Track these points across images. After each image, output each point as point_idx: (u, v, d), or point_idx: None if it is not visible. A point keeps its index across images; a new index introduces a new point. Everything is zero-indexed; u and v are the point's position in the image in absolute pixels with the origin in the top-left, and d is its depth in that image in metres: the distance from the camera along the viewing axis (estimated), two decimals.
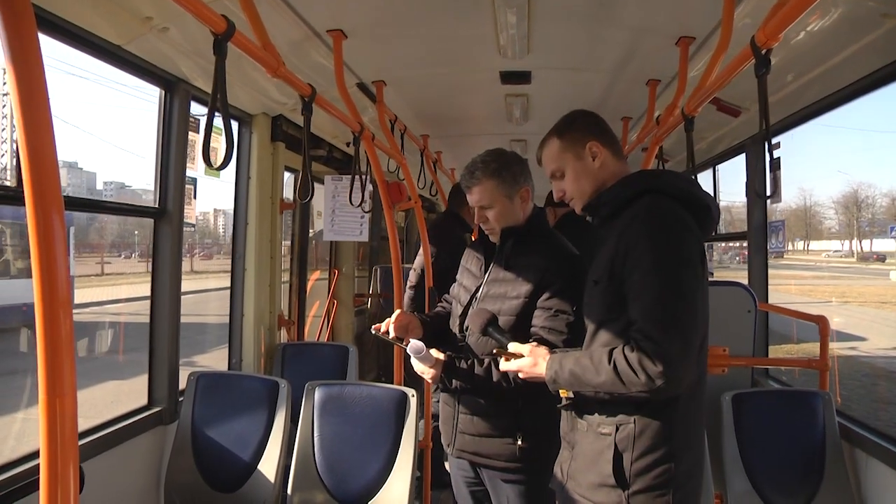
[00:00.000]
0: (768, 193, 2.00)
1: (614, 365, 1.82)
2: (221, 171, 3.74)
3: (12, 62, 0.95)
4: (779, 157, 4.15)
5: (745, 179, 4.88)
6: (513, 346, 2.18)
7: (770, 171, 4.30)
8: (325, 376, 3.42)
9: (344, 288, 6.48)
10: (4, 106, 18.99)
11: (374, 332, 2.64)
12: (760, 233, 4.41)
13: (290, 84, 2.57)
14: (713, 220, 2.04)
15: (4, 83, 18.82)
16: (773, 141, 4.27)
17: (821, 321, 3.46)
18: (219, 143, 3.72)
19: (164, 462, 3.22)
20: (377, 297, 7.59)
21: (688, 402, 1.91)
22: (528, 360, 2.11)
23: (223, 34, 1.85)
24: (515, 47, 3.33)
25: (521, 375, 2.15)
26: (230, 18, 1.96)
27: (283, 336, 4.60)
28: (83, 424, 7.90)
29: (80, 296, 16.89)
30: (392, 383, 3.42)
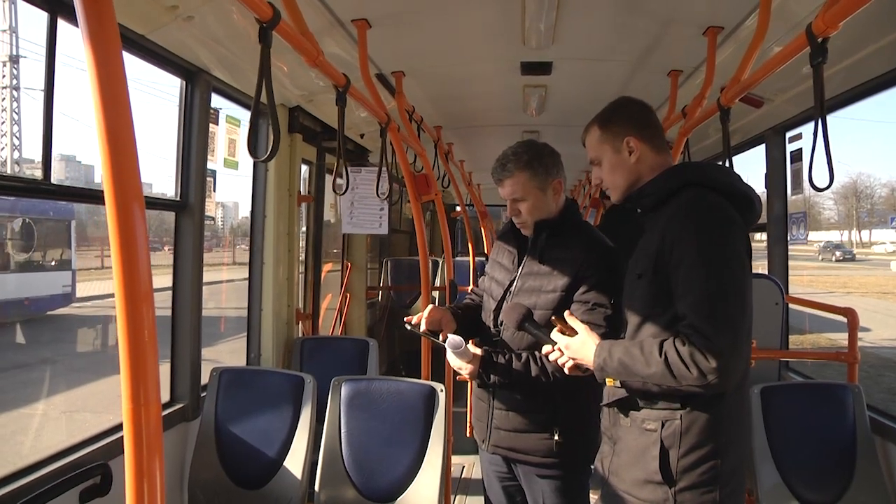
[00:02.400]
0: (826, 184, 1.94)
1: (665, 357, 1.79)
2: (237, 163, 3.74)
3: (93, 55, 0.92)
4: (800, 149, 4.17)
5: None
6: (570, 321, 2.14)
7: (791, 163, 4.31)
8: (344, 371, 3.38)
9: (356, 281, 6.43)
10: (3, 99, 18.86)
11: (407, 326, 2.61)
12: (780, 224, 4.39)
13: (326, 73, 2.52)
14: (756, 213, 2.01)
15: (4, 76, 18.76)
16: (794, 132, 4.30)
17: (849, 314, 3.43)
18: (237, 135, 3.66)
19: (188, 459, 3.18)
20: (388, 289, 7.57)
21: (734, 396, 1.89)
22: (578, 340, 2.07)
23: (269, 22, 1.80)
24: (541, 37, 3.28)
25: (567, 354, 2.10)
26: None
27: (299, 330, 4.56)
28: (92, 419, 7.88)
29: (81, 289, 16.84)
30: (404, 376, 3.38)
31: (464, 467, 5.11)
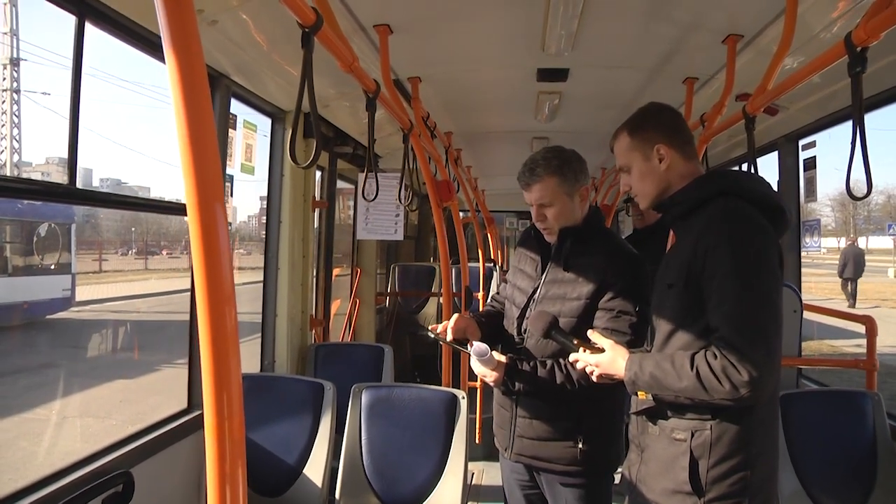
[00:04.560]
0: (863, 193, 1.93)
1: (697, 371, 1.77)
2: (254, 168, 3.73)
3: (176, 59, 0.92)
4: (814, 156, 4.18)
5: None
6: (594, 337, 2.14)
7: (805, 171, 4.32)
8: (359, 378, 3.37)
9: (366, 286, 6.42)
10: (4, 102, 18.85)
11: (430, 335, 2.60)
12: (793, 232, 4.41)
13: (358, 79, 2.52)
14: (786, 222, 2.00)
15: (4, 79, 18.74)
16: (807, 140, 4.31)
17: (867, 321, 3.44)
18: (253, 140, 3.65)
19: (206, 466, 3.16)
20: (396, 295, 7.56)
21: (764, 406, 1.87)
22: (607, 356, 2.07)
23: (312, 27, 1.80)
24: (561, 44, 3.27)
25: (596, 371, 2.10)
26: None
27: (311, 336, 4.54)
28: (94, 424, 7.82)
29: (80, 293, 16.80)
30: (419, 382, 3.37)
31: (473, 474, 5.08)
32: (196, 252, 0.95)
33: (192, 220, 0.94)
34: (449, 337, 2.55)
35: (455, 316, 2.59)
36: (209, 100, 0.96)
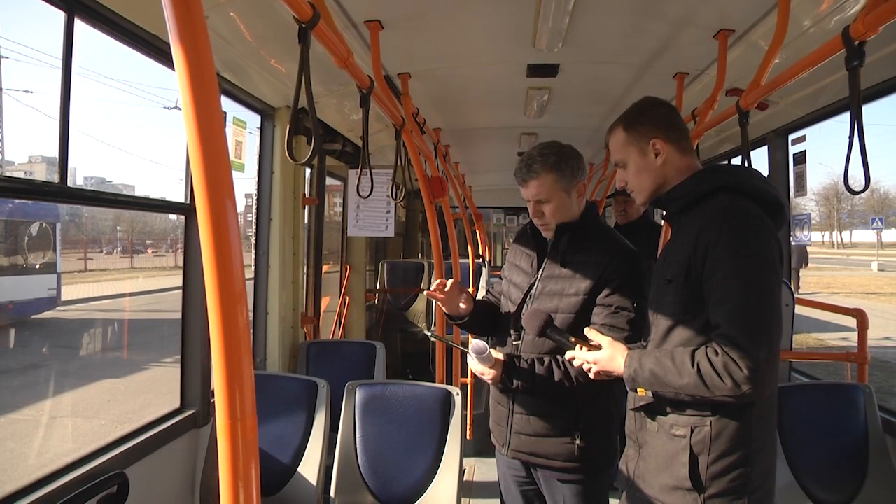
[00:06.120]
0: (860, 188, 1.93)
1: (698, 368, 1.77)
2: (244, 165, 3.71)
3: (185, 59, 0.91)
4: (804, 151, 4.20)
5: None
6: (591, 335, 2.14)
7: (794, 165, 4.34)
8: (351, 375, 3.36)
9: (355, 283, 6.40)
10: None
11: (427, 333, 2.60)
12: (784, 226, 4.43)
13: (353, 75, 2.50)
14: (785, 217, 1.99)
15: None
16: (798, 135, 4.33)
17: (858, 315, 3.46)
18: (243, 137, 3.63)
19: (199, 466, 3.14)
20: (385, 292, 7.55)
21: (764, 403, 1.87)
22: (606, 353, 2.07)
23: (308, 22, 1.78)
24: (552, 39, 3.27)
25: (594, 367, 2.09)
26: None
27: (302, 334, 4.52)
28: (83, 424, 7.74)
29: (66, 292, 16.64)
30: (411, 379, 3.36)
31: (465, 470, 5.06)
32: (207, 250, 0.94)
33: (202, 218, 0.93)
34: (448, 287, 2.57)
35: (450, 281, 2.61)
36: (218, 98, 0.95)
